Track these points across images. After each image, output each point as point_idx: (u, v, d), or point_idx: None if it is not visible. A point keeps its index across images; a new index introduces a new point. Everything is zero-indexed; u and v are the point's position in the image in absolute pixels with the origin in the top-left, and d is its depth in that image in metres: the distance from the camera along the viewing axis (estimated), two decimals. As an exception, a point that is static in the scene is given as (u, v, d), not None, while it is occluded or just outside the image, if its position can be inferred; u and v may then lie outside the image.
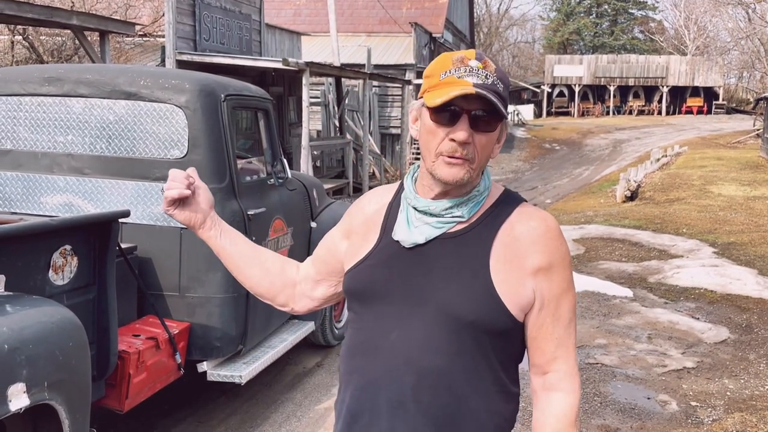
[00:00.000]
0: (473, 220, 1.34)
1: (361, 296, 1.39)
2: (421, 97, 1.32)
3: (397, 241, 1.36)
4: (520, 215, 1.35)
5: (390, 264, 1.35)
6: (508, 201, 1.37)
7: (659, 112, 41.15)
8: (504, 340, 1.33)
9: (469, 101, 1.25)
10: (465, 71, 1.26)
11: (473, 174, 1.30)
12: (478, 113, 1.26)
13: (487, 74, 1.26)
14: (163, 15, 11.43)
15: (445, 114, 1.27)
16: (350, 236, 1.47)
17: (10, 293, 2.45)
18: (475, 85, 1.23)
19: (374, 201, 1.47)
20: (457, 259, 1.31)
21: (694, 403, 4.13)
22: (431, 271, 1.32)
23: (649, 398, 4.20)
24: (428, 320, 1.30)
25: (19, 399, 2.17)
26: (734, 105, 44.46)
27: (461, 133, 1.26)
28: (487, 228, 1.33)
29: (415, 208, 1.35)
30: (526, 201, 1.40)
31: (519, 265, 1.31)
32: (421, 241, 1.33)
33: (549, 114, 41.67)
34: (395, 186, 1.48)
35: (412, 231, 1.34)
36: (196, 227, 1.55)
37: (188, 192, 1.48)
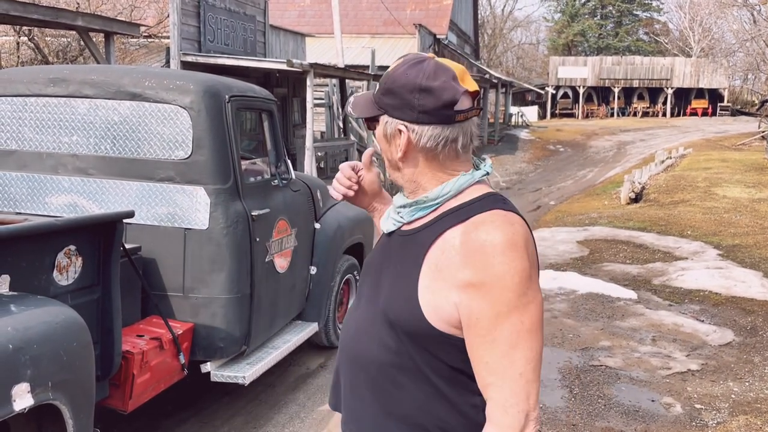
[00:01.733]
0: (426, 220, 1.33)
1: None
2: None
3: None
4: (471, 224, 1.25)
5: (377, 249, 1.48)
6: (474, 207, 1.28)
7: (664, 114, 41.07)
8: (436, 348, 1.27)
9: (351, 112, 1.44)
10: None
11: (388, 170, 1.39)
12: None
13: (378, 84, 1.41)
14: (168, 16, 11.45)
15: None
16: None
17: (15, 293, 2.46)
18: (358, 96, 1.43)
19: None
20: (401, 259, 1.34)
21: (698, 406, 4.12)
22: (386, 265, 1.39)
23: (653, 401, 4.19)
24: (373, 312, 1.36)
25: (23, 399, 2.17)
26: (739, 107, 44.34)
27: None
28: (433, 231, 1.30)
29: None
30: (501, 210, 1.28)
31: (448, 276, 1.23)
32: (386, 231, 1.44)
33: (553, 116, 41.61)
34: None
35: (387, 220, 1.45)
36: (367, 212, 1.67)
37: (351, 193, 1.57)
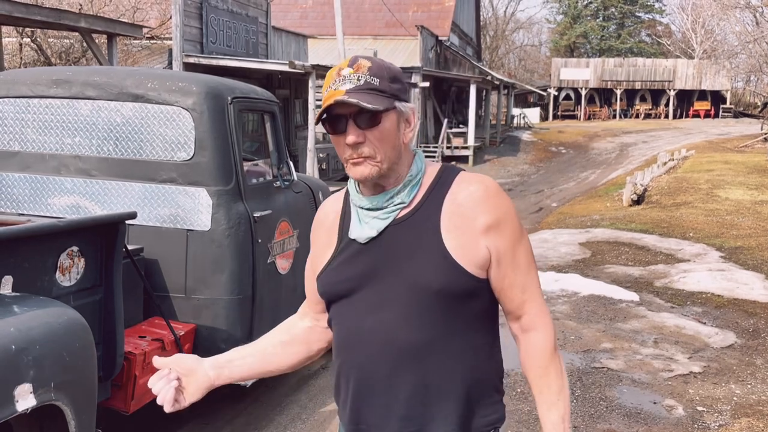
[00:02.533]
0: (416, 202, 1.45)
1: (333, 296, 1.50)
2: None
3: (355, 240, 1.46)
4: (460, 183, 1.45)
5: (353, 261, 1.46)
6: (446, 175, 1.47)
7: (666, 116, 41.03)
8: (472, 301, 1.43)
9: (344, 106, 1.37)
10: (339, 82, 1.38)
11: (382, 167, 1.40)
12: (357, 113, 1.37)
13: (359, 76, 1.38)
14: (171, 18, 11.47)
15: (335, 124, 1.40)
16: (315, 250, 1.59)
17: (18, 294, 2.46)
18: (348, 91, 1.36)
19: (329, 211, 1.58)
20: (413, 239, 1.42)
21: (700, 408, 4.11)
22: (392, 257, 1.42)
23: (655, 403, 4.18)
24: (400, 301, 1.41)
25: (25, 399, 2.18)
26: (742, 109, 44.29)
27: (349, 137, 1.38)
28: (432, 204, 1.43)
29: (361, 207, 1.47)
30: (463, 170, 1.50)
31: (469, 228, 1.41)
32: (374, 234, 1.44)
33: (555, 117, 41.60)
34: (342, 193, 1.59)
35: (363, 227, 1.45)
36: (210, 388, 1.57)
37: (173, 389, 1.47)
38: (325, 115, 1.40)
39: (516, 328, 1.50)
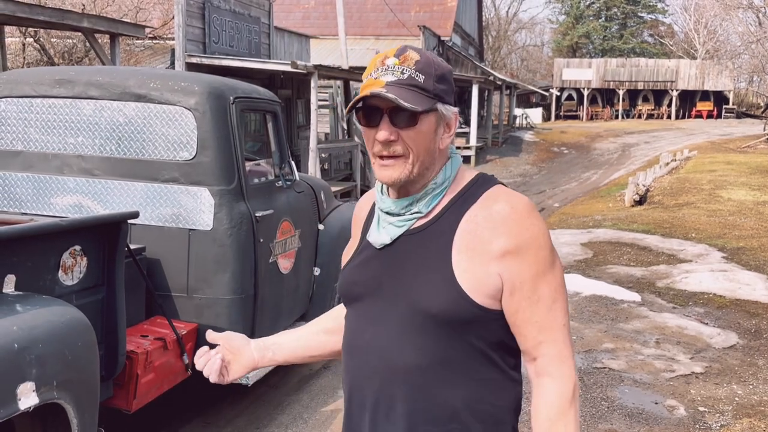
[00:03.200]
0: (436, 212, 1.34)
1: (345, 297, 1.44)
2: None
3: (371, 243, 1.40)
4: (486, 200, 1.32)
5: (366, 266, 1.39)
6: (477, 187, 1.34)
7: (668, 116, 40.97)
8: (476, 331, 1.30)
9: (382, 100, 1.26)
10: (382, 71, 1.28)
11: (412, 170, 1.29)
12: (395, 110, 1.27)
13: (404, 69, 1.27)
14: (173, 18, 11.49)
15: (369, 116, 1.29)
16: (349, 244, 1.52)
17: (21, 293, 2.47)
18: (389, 84, 1.25)
19: (363, 206, 1.52)
20: (422, 254, 1.31)
21: (702, 409, 4.11)
22: (400, 268, 1.33)
23: (656, 403, 4.18)
24: (399, 318, 1.32)
25: (28, 398, 2.18)
26: (744, 109, 44.23)
27: (381, 132, 1.28)
28: (450, 218, 1.32)
29: (382, 210, 1.38)
30: (500, 183, 1.37)
31: (482, 252, 1.28)
32: (388, 240, 1.35)
33: (558, 117, 41.57)
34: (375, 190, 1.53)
35: (380, 232, 1.37)
36: (254, 368, 1.58)
37: (219, 361, 1.53)
38: (360, 104, 1.29)
39: (531, 370, 1.34)
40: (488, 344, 1.32)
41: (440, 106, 1.30)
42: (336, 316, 1.58)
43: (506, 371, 1.35)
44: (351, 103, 1.30)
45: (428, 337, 1.29)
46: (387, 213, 1.36)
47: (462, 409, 1.30)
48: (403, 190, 1.34)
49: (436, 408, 1.31)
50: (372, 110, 1.28)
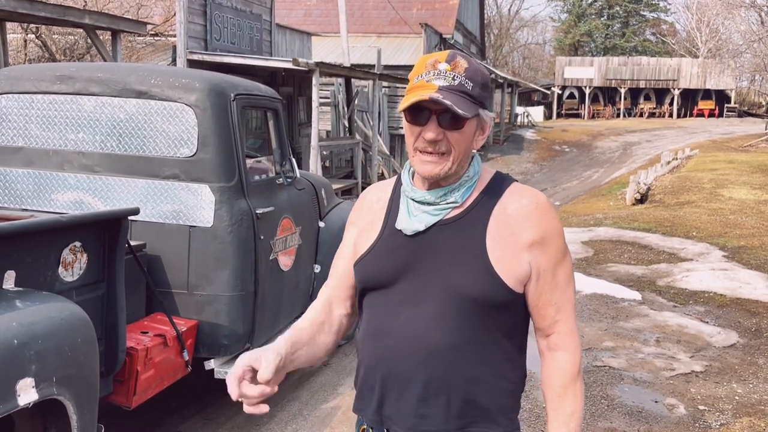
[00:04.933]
0: (467, 204, 1.45)
1: (371, 284, 1.49)
2: None
3: (400, 231, 1.46)
4: (512, 194, 1.46)
5: (395, 252, 1.46)
6: (500, 182, 1.48)
7: (670, 115, 40.92)
8: (506, 313, 1.44)
9: (434, 103, 1.36)
10: (434, 75, 1.37)
11: (451, 166, 1.40)
12: (444, 113, 1.37)
13: (454, 75, 1.37)
14: (175, 15, 11.48)
15: (417, 115, 1.39)
16: (359, 231, 1.56)
17: (20, 289, 2.47)
18: (440, 88, 1.35)
19: (376, 196, 1.58)
20: (457, 242, 1.42)
21: (702, 407, 4.11)
22: (434, 255, 1.42)
23: (656, 402, 4.18)
24: (435, 301, 1.41)
25: (27, 394, 2.19)
26: (746, 108, 44.15)
27: (429, 133, 1.38)
28: (482, 210, 1.44)
29: (413, 200, 1.46)
30: (516, 181, 1.51)
31: (514, 241, 1.41)
32: (422, 228, 1.43)
33: (559, 116, 41.52)
34: (392, 181, 1.59)
35: (412, 220, 1.45)
36: (284, 360, 1.40)
37: (259, 393, 1.31)
38: (407, 104, 1.37)
39: (543, 344, 1.51)
40: (510, 325, 1.46)
41: (481, 112, 1.41)
42: (330, 319, 1.57)
43: (522, 349, 1.50)
44: (406, 102, 1.37)
45: (463, 320, 1.40)
46: (420, 202, 1.45)
47: (490, 386, 1.44)
48: (435, 183, 1.44)
49: (468, 385, 1.42)
50: (420, 110, 1.38)
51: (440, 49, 23.13)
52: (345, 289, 1.59)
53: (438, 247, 1.42)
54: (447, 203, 1.43)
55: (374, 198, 1.57)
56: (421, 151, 1.40)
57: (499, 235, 1.41)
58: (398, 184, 1.54)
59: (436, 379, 1.41)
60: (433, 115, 1.37)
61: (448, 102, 1.33)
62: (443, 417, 1.42)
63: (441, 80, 1.36)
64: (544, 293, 1.45)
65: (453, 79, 1.36)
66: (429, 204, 1.44)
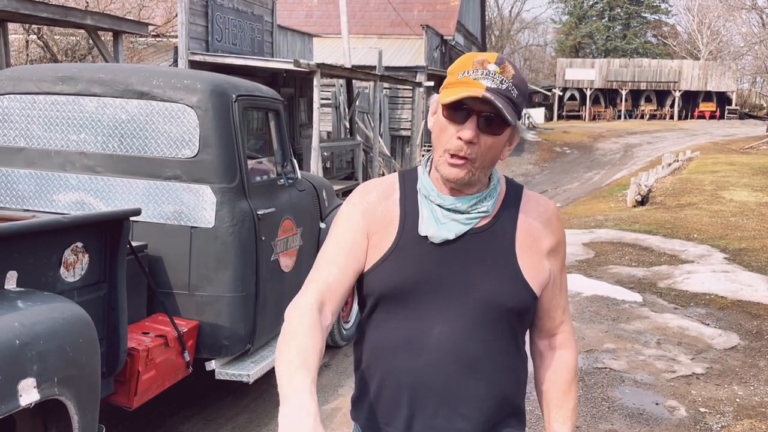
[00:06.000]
0: (495, 212, 1.44)
1: (392, 293, 1.38)
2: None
3: (424, 238, 1.38)
4: (529, 201, 1.48)
5: (421, 261, 1.38)
6: (513, 190, 1.49)
7: (671, 117, 40.92)
8: (527, 318, 1.48)
9: (480, 103, 1.29)
10: (482, 74, 1.30)
11: (475, 173, 1.35)
12: (487, 115, 1.31)
13: (503, 79, 1.30)
14: (176, 16, 11.49)
15: (457, 112, 1.32)
16: (364, 234, 1.41)
17: (22, 289, 2.48)
18: (488, 89, 1.28)
19: (378, 198, 1.44)
20: (488, 252, 1.40)
21: (702, 410, 4.11)
22: (465, 265, 1.38)
23: (657, 404, 4.18)
24: (470, 312, 1.39)
25: (29, 394, 2.19)
26: (747, 110, 44.16)
27: (467, 132, 1.31)
28: (509, 218, 1.44)
29: (440, 206, 1.39)
30: (523, 186, 1.53)
31: (537, 248, 1.44)
32: (451, 237, 1.38)
33: (560, 117, 41.53)
34: (393, 180, 1.47)
35: (440, 227, 1.38)
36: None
37: None
38: (455, 97, 1.28)
39: (545, 345, 1.55)
40: (524, 329, 1.50)
41: (517, 122, 1.36)
42: (320, 334, 1.31)
43: (524, 355, 1.52)
44: (454, 96, 1.28)
45: (497, 330, 1.41)
46: (449, 210, 1.39)
47: (516, 392, 1.48)
48: (455, 190, 1.39)
49: (502, 394, 1.44)
50: (460, 107, 1.31)
51: (441, 51, 23.14)
52: (342, 296, 1.40)
53: (468, 257, 1.38)
54: (478, 212, 1.39)
55: (377, 200, 1.43)
56: (451, 154, 1.32)
57: (525, 243, 1.42)
58: (405, 185, 1.44)
59: (477, 393, 1.40)
60: (473, 115, 1.30)
61: (499, 104, 1.27)
62: (481, 429, 1.42)
63: (489, 81, 1.29)
64: (555, 296, 1.50)
65: (501, 82, 1.29)
66: (460, 212, 1.38)
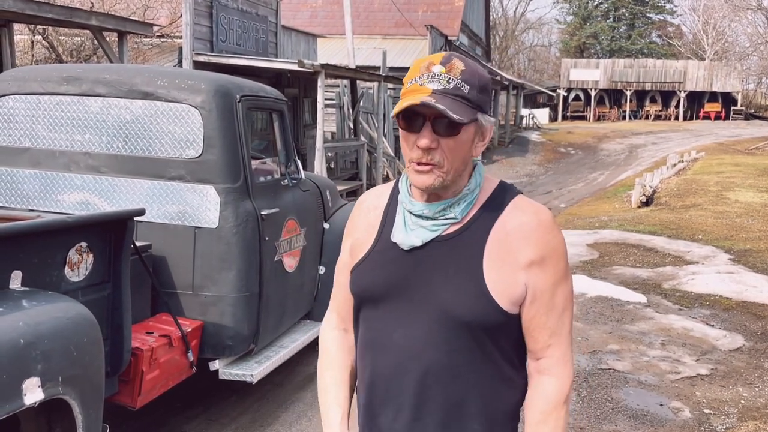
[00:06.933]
0: (467, 219, 1.38)
1: (364, 297, 1.45)
2: None
3: (395, 244, 1.40)
4: (513, 210, 1.38)
5: (389, 266, 1.40)
6: (502, 195, 1.40)
7: (676, 117, 40.83)
8: (501, 334, 1.38)
9: (428, 108, 1.27)
10: (428, 78, 1.29)
11: (447, 178, 1.32)
12: (439, 119, 1.28)
13: (449, 78, 1.28)
14: (181, 16, 11.52)
15: (410, 121, 1.31)
16: (354, 241, 1.50)
17: (27, 289, 2.48)
18: (434, 92, 1.27)
19: (373, 203, 1.50)
20: (453, 261, 1.35)
21: (707, 411, 4.09)
22: (429, 273, 1.36)
23: (661, 405, 4.17)
24: (429, 319, 1.36)
25: (33, 393, 2.19)
26: (753, 111, 44.02)
27: (423, 140, 1.29)
28: (481, 227, 1.37)
29: (410, 212, 1.39)
30: (521, 193, 1.43)
31: (511, 261, 1.35)
32: (418, 243, 1.37)
33: (565, 118, 41.47)
34: (389, 187, 1.51)
35: (408, 234, 1.38)
36: None
37: None
38: (398, 109, 1.30)
39: (532, 366, 1.44)
40: (507, 346, 1.40)
41: (480, 116, 1.32)
42: (349, 354, 1.56)
43: (519, 369, 1.44)
44: (398, 107, 1.30)
45: (457, 341, 1.35)
46: (417, 215, 1.38)
47: (484, 406, 1.39)
48: (434, 194, 1.36)
49: (462, 406, 1.38)
50: (414, 115, 1.30)
51: (446, 51, 23.16)
52: (351, 311, 1.53)
53: (433, 264, 1.36)
54: (446, 219, 1.36)
55: (371, 205, 1.50)
56: (416, 162, 1.32)
57: (497, 255, 1.34)
58: (395, 192, 1.46)
59: (432, 398, 1.37)
60: (427, 121, 1.29)
61: (441, 106, 1.25)
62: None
63: (435, 83, 1.27)
64: (538, 315, 1.37)
65: (448, 82, 1.28)
66: (427, 218, 1.36)
